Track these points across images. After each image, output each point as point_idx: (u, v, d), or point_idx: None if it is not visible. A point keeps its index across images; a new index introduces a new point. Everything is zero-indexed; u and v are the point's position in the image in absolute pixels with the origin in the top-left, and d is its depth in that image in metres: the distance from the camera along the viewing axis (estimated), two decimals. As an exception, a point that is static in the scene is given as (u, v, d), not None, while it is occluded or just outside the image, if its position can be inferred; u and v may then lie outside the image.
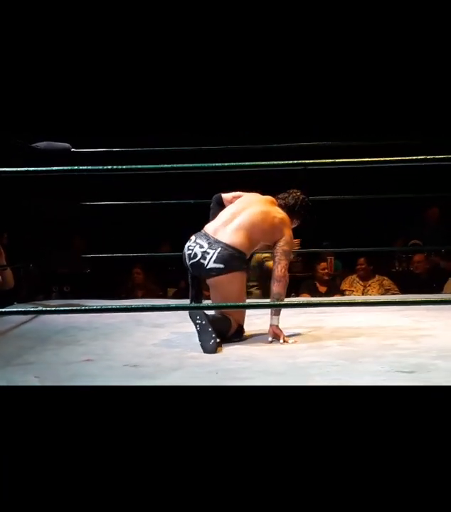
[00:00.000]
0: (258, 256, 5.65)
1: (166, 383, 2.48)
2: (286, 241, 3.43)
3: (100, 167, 2.64)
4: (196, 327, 3.17)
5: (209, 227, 3.41)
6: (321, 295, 5.67)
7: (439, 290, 5.48)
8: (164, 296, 6.01)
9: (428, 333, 3.37)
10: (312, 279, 5.94)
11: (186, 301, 4.62)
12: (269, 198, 3.58)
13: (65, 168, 2.64)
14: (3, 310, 3.51)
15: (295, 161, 2.86)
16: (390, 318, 3.76)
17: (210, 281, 3.33)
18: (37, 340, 3.33)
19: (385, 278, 5.80)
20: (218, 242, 3.31)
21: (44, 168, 2.69)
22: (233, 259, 3.29)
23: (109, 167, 2.64)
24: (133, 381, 2.50)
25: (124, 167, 2.67)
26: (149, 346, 3.21)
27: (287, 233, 3.45)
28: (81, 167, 2.62)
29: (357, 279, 5.88)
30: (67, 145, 4.39)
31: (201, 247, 3.32)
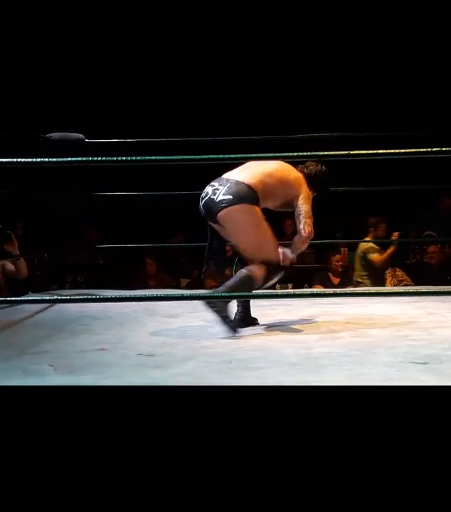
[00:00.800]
0: (362, 246, 5.70)
1: (180, 372, 2.50)
2: (304, 199, 3.41)
3: (114, 158, 2.65)
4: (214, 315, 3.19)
5: (225, 174, 3.40)
6: (334, 286, 5.68)
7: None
8: (177, 286, 6.03)
9: (441, 325, 3.38)
10: (325, 271, 5.95)
11: (200, 292, 4.67)
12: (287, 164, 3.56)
13: (80, 159, 2.65)
14: (18, 299, 3.57)
15: (310, 153, 2.87)
16: (404, 310, 3.77)
17: (221, 216, 3.26)
18: (52, 329, 3.37)
19: (398, 269, 5.80)
20: (228, 180, 3.31)
21: (58, 159, 2.70)
22: (243, 192, 3.25)
23: (123, 158, 2.64)
24: (147, 370, 2.54)
25: (138, 158, 2.68)
26: (162, 336, 3.24)
27: (304, 190, 3.43)
28: (95, 158, 2.63)
29: (370, 271, 5.89)
30: (80, 136, 4.42)
31: (213, 186, 3.32)
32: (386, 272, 5.80)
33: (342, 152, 2.75)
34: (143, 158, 2.70)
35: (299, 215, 3.39)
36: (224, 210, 3.24)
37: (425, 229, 6.25)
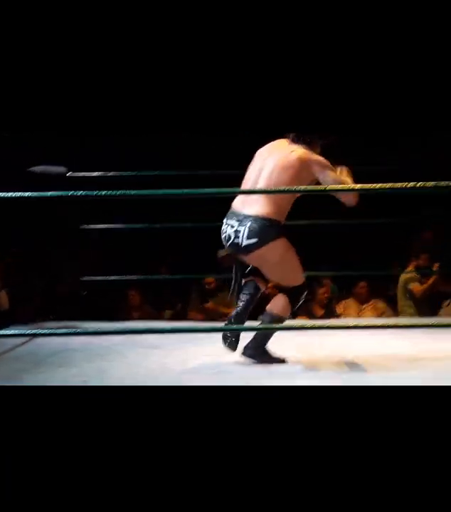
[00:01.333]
0: (404, 277, 5.71)
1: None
2: (324, 173, 3.21)
3: (95, 192, 2.63)
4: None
5: (236, 203, 3.31)
6: (317, 318, 5.65)
7: (434, 313, 5.50)
8: (161, 318, 5.96)
9: (424, 355, 3.38)
10: (310, 302, 5.91)
11: (183, 324, 4.64)
12: (281, 141, 3.37)
13: (60, 193, 2.63)
14: (-2, 332, 3.50)
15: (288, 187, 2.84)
16: (387, 340, 3.76)
17: (250, 258, 3.26)
18: (32, 362, 3.33)
19: (380, 301, 5.80)
20: (246, 217, 3.21)
21: (39, 194, 2.67)
22: (266, 229, 3.18)
23: (104, 193, 2.64)
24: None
25: (119, 193, 2.66)
26: (144, 368, 3.21)
27: (316, 163, 3.24)
28: (75, 193, 2.61)
29: (351, 303, 5.87)
30: (63, 169, 4.40)
31: (232, 226, 3.25)
32: (367, 304, 5.78)
33: (318, 187, 2.70)
34: (124, 192, 2.68)
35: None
36: (251, 255, 3.22)
37: (408, 261, 6.05)
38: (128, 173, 4.46)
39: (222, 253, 3.56)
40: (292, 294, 3.30)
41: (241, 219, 3.23)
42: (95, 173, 4.43)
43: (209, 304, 5.71)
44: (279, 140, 3.39)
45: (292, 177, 3.20)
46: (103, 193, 2.63)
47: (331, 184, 3.19)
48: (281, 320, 3.28)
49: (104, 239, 5.88)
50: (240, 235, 3.20)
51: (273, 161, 3.28)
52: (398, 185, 2.59)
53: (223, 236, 3.31)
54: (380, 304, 5.74)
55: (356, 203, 3.28)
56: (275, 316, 3.26)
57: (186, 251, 6.45)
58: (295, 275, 3.31)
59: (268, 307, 3.31)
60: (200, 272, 5.80)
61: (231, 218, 3.28)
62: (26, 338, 3.86)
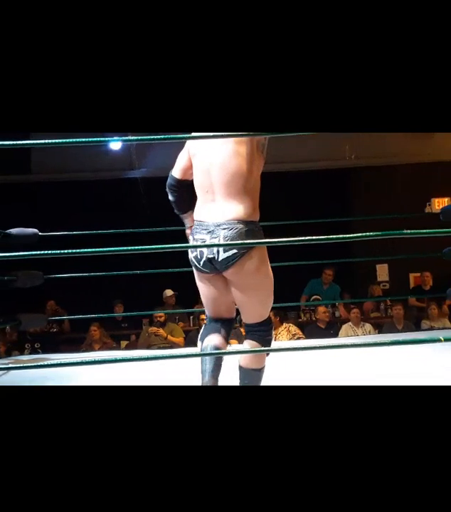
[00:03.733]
0: None
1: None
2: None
3: (59, 251, 2.41)
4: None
5: (200, 214, 2.55)
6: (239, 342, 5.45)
7: (335, 335, 5.98)
8: (118, 348, 6.35)
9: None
10: (240, 326, 5.76)
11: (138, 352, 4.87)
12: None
13: (32, 252, 2.49)
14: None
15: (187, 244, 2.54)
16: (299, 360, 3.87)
17: (228, 274, 2.50)
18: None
19: (291, 325, 6.07)
20: (218, 225, 2.46)
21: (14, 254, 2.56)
22: (243, 235, 2.43)
23: (70, 251, 2.38)
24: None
25: (83, 251, 2.39)
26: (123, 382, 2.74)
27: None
28: (45, 252, 2.43)
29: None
30: (35, 230, 4.60)
31: (203, 241, 2.48)
32: (282, 327, 5.98)
33: (235, 242, 2.42)
34: (87, 250, 2.35)
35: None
36: (233, 270, 2.47)
37: (313, 294, 6.82)
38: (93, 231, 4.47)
39: None
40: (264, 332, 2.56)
41: (212, 230, 2.48)
42: (62, 233, 4.58)
43: (160, 331, 6.06)
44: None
45: (252, 159, 2.48)
46: (70, 251, 2.38)
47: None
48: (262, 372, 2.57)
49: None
50: (215, 248, 2.46)
51: (226, 147, 2.47)
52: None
53: (193, 256, 2.54)
54: (292, 327, 5.98)
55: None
56: (261, 370, 2.56)
57: (138, 291, 6.77)
58: (270, 300, 2.58)
59: (243, 363, 2.56)
60: (150, 308, 6.16)
61: (199, 233, 2.52)
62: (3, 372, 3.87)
